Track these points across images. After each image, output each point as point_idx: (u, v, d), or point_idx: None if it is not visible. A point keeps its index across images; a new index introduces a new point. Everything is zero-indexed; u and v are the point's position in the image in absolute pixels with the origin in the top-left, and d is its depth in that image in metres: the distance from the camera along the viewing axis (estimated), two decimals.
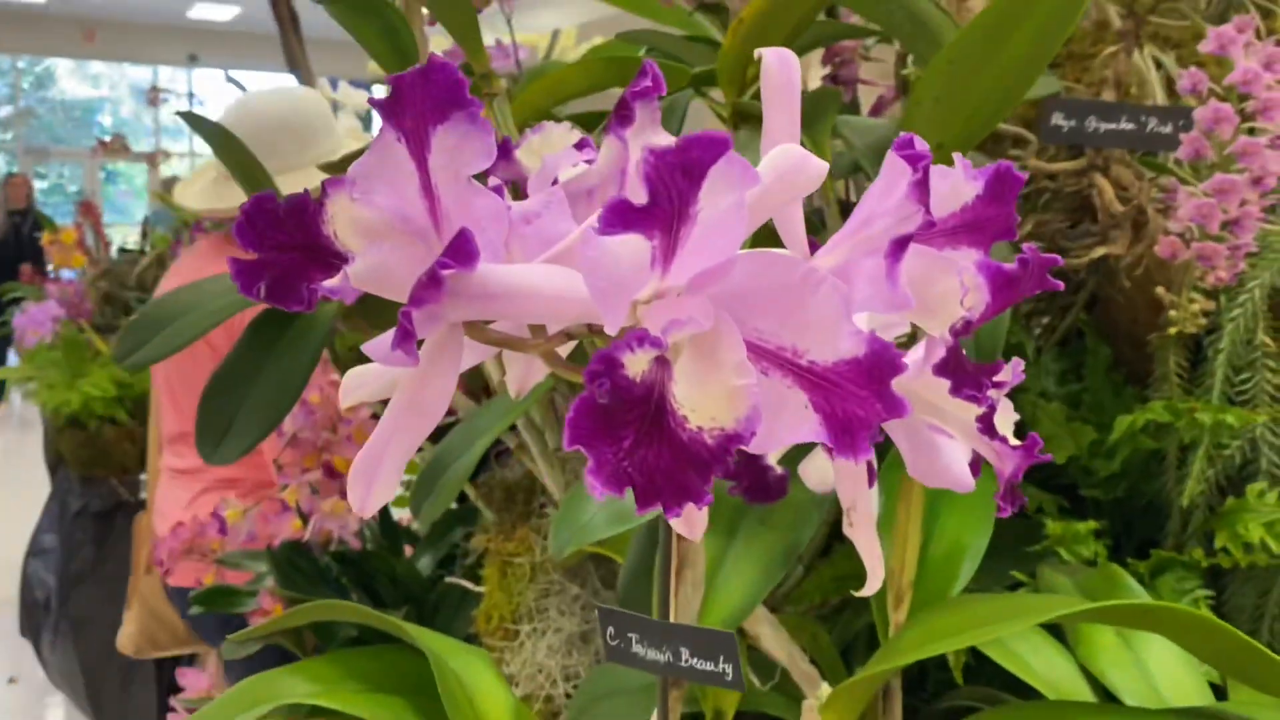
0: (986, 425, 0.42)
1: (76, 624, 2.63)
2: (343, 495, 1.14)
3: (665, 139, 0.46)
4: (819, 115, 0.82)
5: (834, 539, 0.92)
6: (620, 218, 0.31)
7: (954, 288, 0.39)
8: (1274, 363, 0.90)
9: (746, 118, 0.91)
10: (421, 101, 0.37)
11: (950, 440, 0.49)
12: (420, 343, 0.37)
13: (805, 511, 0.70)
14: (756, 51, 0.44)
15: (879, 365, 0.34)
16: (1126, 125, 0.82)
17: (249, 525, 1.16)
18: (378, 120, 0.38)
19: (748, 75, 0.90)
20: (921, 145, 0.37)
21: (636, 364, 0.33)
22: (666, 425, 0.34)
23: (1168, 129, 0.82)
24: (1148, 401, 0.94)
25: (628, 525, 0.69)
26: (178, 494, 1.86)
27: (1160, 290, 0.82)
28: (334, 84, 2.19)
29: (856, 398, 0.35)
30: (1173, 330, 0.83)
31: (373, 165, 0.38)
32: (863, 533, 0.49)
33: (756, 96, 0.96)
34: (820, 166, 0.39)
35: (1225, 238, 0.79)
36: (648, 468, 0.33)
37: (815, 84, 1.15)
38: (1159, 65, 1.02)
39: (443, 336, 0.39)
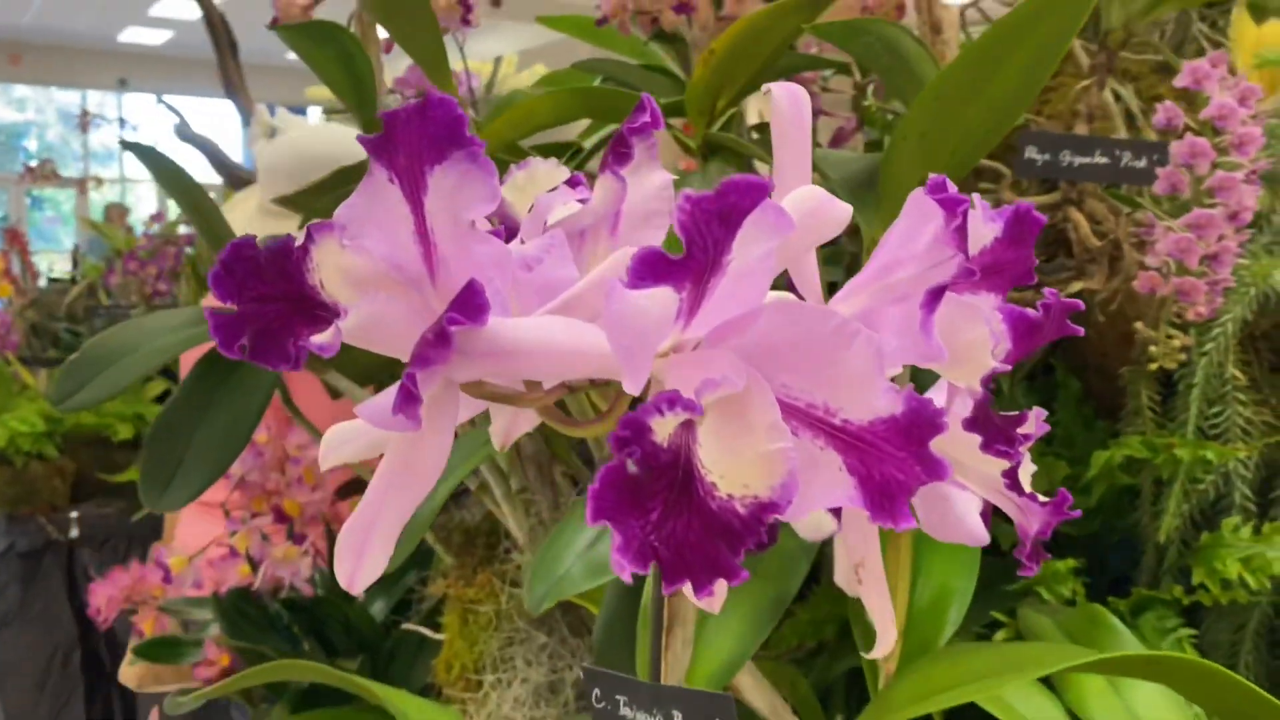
0: (1013, 481, 0.39)
1: (1, 668, 2.52)
2: (294, 540, 1.09)
3: (664, 176, 0.44)
4: None
5: (811, 581, 0.90)
6: (651, 270, 0.28)
7: (983, 336, 0.37)
8: (1245, 396, 0.90)
9: (716, 149, 0.89)
10: (417, 139, 0.33)
11: (962, 492, 0.46)
12: None
13: (794, 559, 0.67)
14: (765, 86, 0.42)
15: (917, 424, 0.32)
16: (1101, 159, 0.82)
17: (194, 573, 1.11)
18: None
19: (718, 107, 0.88)
20: (952, 188, 0.35)
21: (665, 428, 0.30)
22: (695, 494, 0.31)
23: (1142, 163, 0.81)
24: (1119, 435, 0.93)
25: (607, 577, 0.66)
26: (206, 527, 1.72)
27: (1139, 325, 0.81)
28: (272, 110, 2.14)
29: (894, 459, 0.32)
30: (1153, 365, 0.82)
31: (362, 208, 0.35)
32: (873, 589, 0.46)
33: (724, 128, 0.95)
34: (844, 210, 0.37)
35: (1204, 273, 0.78)
36: (675, 541, 0.30)
37: (755, 119, 1.14)
38: (1118, 98, 1.02)
39: (439, 392, 0.35)
